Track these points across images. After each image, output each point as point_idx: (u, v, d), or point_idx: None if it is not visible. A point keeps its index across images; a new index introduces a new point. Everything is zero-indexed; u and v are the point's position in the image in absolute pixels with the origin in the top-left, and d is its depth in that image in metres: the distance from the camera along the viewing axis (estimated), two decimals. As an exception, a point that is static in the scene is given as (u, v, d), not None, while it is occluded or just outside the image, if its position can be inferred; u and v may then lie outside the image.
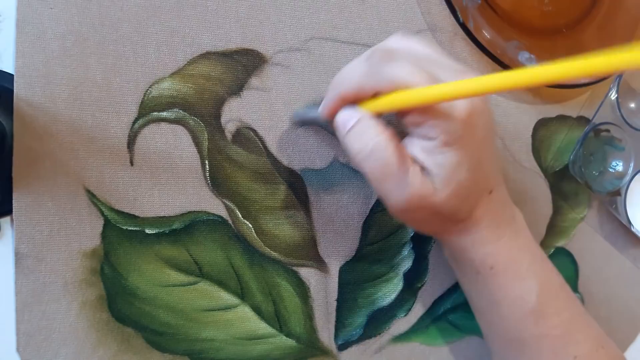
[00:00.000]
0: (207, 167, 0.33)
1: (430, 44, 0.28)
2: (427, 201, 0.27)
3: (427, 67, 0.26)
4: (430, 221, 0.29)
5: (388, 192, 0.27)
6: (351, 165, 0.36)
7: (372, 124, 0.27)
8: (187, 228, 0.32)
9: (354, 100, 0.28)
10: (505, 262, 0.30)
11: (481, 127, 0.27)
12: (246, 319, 0.34)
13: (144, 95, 0.32)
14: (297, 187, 0.35)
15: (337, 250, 0.36)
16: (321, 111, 0.30)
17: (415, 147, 0.27)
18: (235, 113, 0.33)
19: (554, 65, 0.21)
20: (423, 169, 0.27)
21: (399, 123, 0.28)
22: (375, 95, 0.27)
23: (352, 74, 0.28)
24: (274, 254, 0.34)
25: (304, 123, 0.35)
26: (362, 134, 0.27)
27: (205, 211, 0.33)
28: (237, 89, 0.33)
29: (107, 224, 0.31)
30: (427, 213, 0.28)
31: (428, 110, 0.26)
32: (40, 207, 0.30)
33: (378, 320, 0.37)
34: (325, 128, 0.35)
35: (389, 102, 0.26)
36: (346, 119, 0.28)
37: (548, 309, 0.30)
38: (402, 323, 0.37)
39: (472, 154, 0.27)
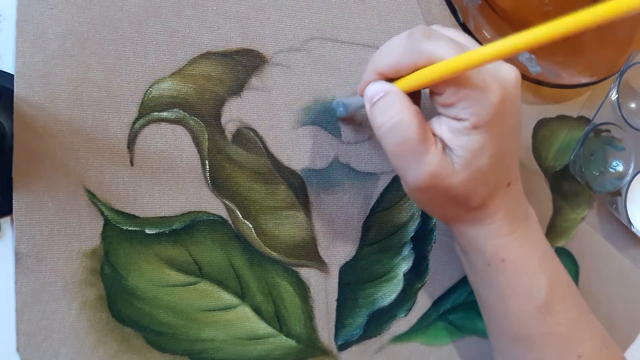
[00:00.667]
0: (207, 167, 0.33)
1: (468, 36, 0.29)
2: (443, 181, 0.27)
3: (466, 50, 0.26)
4: (444, 204, 0.29)
5: (406, 168, 0.28)
6: (351, 165, 0.36)
7: (399, 98, 0.27)
8: (187, 228, 0.32)
9: (391, 77, 0.28)
10: (517, 255, 0.30)
11: (511, 115, 0.27)
12: (246, 319, 0.34)
13: (144, 95, 0.32)
14: (297, 187, 0.35)
15: (337, 250, 0.36)
16: (359, 90, 0.30)
17: (443, 126, 0.27)
18: (235, 113, 0.33)
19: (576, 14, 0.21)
20: (445, 148, 0.27)
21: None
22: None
23: (391, 50, 0.28)
24: (274, 254, 0.34)
25: (344, 110, 0.35)
26: (387, 108, 0.27)
27: (205, 211, 0.33)
28: (237, 89, 0.33)
29: (107, 224, 0.31)
30: (442, 194, 0.28)
31: (461, 90, 0.26)
32: (40, 207, 0.30)
33: (378, 320, 0.37)
34: (326, 128, 0.35)
35: (420, 76, 0.26)
36: (374, 91, 0.28)
37: (555, 306, 0.31)
38: (402, 323, 0.37)
39: (497, 142, 0.27)
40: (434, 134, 0.28)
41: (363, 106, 0.30)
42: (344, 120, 0.35)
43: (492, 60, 0.24)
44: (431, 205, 0.30)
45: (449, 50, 0.26)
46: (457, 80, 0.26)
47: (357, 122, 0.36)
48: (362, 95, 0.30)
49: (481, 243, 0.30)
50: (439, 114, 0.28)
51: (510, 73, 0.27)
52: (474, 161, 0.27)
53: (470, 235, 0.31)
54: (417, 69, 0.27)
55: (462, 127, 0.27)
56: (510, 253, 0.30)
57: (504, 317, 0.32)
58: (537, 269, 0.30)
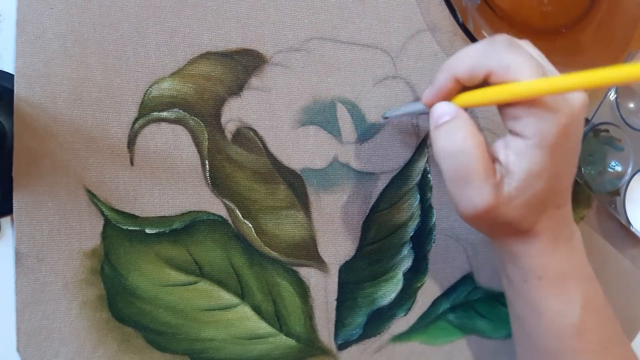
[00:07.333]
0: (207, 167, 0.33)
1: (538, 52, 0.28)
2: (496, 211, 0.27)
3: (542, 66, 0.26)
4: (492, 227, 0.30)
5: (461, 196, 0.28)
6: (351, 165, 0.36)
7: (465, 125, 0.27)
8: (187, 228, 0.32)
9: (464, 82, 0.27)
10: (554, 275, 0.30)
11: (573, 138, 0.27)
12: (246, 319, 0.34)
13: (144, 95, 0.32)
14: (297, 187, 0.35)
15: (337, 250, 0.36)
16: (427, 94, 0.29)
17: (509, 148, 0.27)
18: (235, 113, 0.33)
19: None
20: (504, 177, 0.27)
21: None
22: (484, 81, 0.27)
23: (470, 53, 0.27)
24: (274, 254, 0.34)
25: (396, 115, 0.35)
26: (453, 132, 0.27)
27: (205, 211, 0.33)
28: (237, 89, 0.33)
29: (108, 223, 0.31)
30: (493, 221, 0.28)
31: (532, 106, 0.25)
32: (41, 207, 0.30)
33: (378, 320, 0.37)
34: (326, 128, 0.35)
35: (495, 91, 0.26)
36: (442, 112, 0.28)
37: (588, 325, 0.31)
38: (401, 322, 0.37)
39: (556, 165, 0.27)
40: (494, 160, 0.27)
41: (421, 112, 0.30)
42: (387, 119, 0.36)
43: (573, 90, 0.24)
44: (478, 227, 0.31)
45: (527, 65, 0.25)
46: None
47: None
48: (430, 101, 0.29)
49: (521, 260, 0.30)
50: (503, 136, 0.28)
51: (579, 97, 0.27)
52: (531, 185, 0.27)
53: (511, 251, 0.31)
54: (489, 77, 0.26)
55: (525, 147, 0.26)
56: (548, 272, 0.30)
57: (536, 331, 0.32)
58: (573, 289, 0.31)
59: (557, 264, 0.30)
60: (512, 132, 0.27)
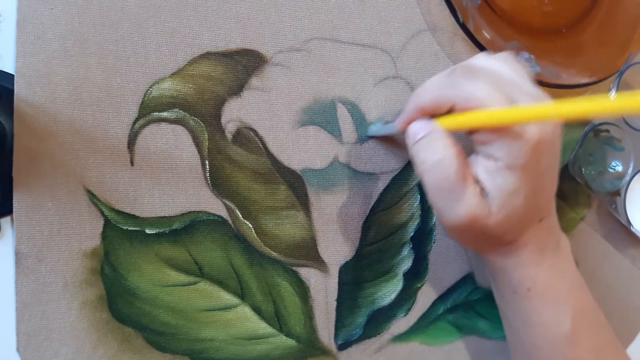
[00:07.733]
0: (208, 167, 0.33)
1: (516, 66, 0.28)
2: (479, 222, 0.28)
3: (506, 90, 0.26)
4: (477, 240, 0.30)
5: (443, 206, 0.28)
6: (351, 165, 0.36)
7: (442, 137, 0.27)
8: (187, 228, 0.32)
9: (431, 112, 0.28)
10: (543, 286, 0.30)
11: (547, 157, 0.27)
12: (246, 319, 0.34)
13: (145, 96, 0.32)
14: (297, 187, 0.35)
15: (337, 250, 0.36)
16: (398, 122, 0.30)
17: (479, 166, 0.27)
18: (235, 113, 0.33)
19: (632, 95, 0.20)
20: (482, 190, 0.27)
21: (467, 139, 0.29)
22: (451, 109, 0.27)
23: (432, 86, 0.28)
24: (274, 254, 0.34)
25: (376, 131, 0.36)
26: (430, 145, 0.27)
27: (205, 211, 0.33)
28: (237, 89, 0.33)
29: (107, 224, 0.31)
30: (477, 233, 0.28)
31: (498, 131, 0.26)
32: (41, 207, 0.30)
33: (378, 320, 0.37)
34: (326, 128, 0.35)
35: (461, 120, 0.27)
36: (418, 128, 0.28)
37: (581, 335, 0.31)
38: (401, 323, 0.37)
39: (532, 183, 0.27)
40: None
41: (398, 134, 0.31)
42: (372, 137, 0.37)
43: (542, 120, 0.24)
44: (464, 239, 0.31)
45: (486, 92, 0.26)
46: None
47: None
48: (401, 128, 0.30)
49: (508, 272, 0.31)
50: (475, 153, 0.28)
51: None
52: (508, 203, 0.27)
53: (498, 264, 0.31)
54: (454, 107, 0.27)
55: (496, 168, 0.27)
56: (536, 283, 0.30)
57: (529, 341, 0.32)
58: (563, 299, 0.31)
59: (544, 274, 0.30)
60: (482, 155, 0.27)
